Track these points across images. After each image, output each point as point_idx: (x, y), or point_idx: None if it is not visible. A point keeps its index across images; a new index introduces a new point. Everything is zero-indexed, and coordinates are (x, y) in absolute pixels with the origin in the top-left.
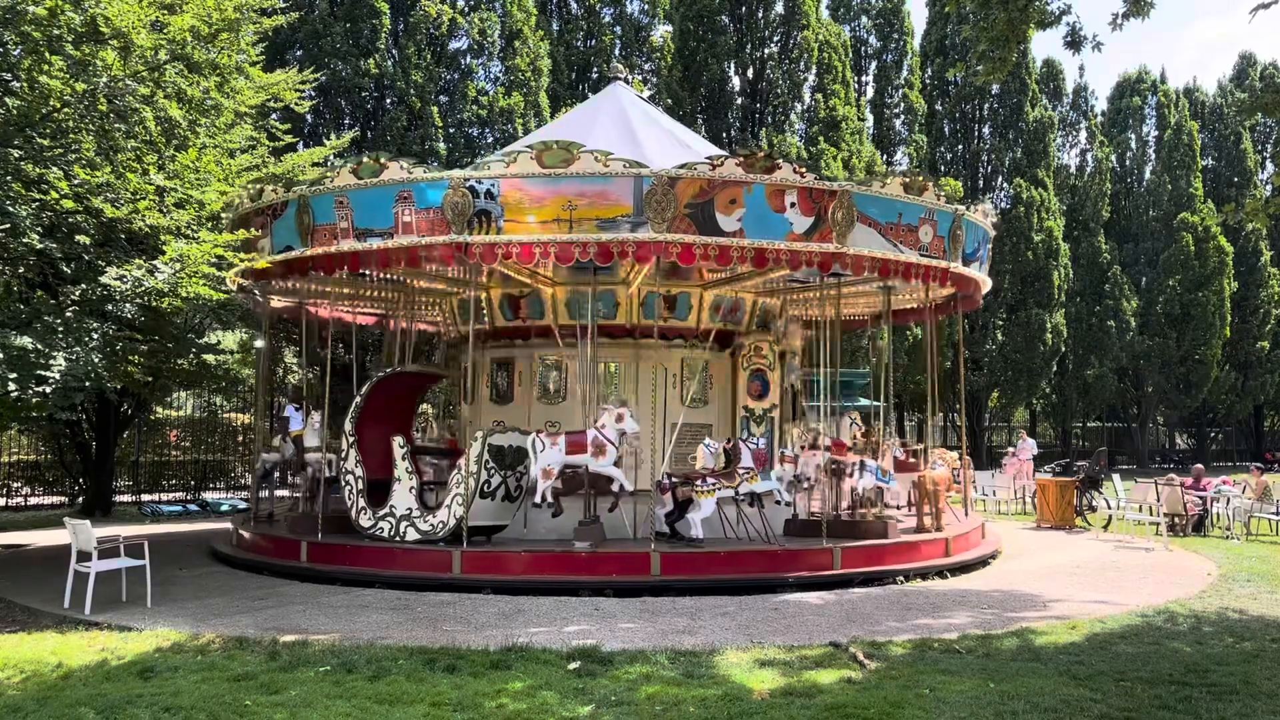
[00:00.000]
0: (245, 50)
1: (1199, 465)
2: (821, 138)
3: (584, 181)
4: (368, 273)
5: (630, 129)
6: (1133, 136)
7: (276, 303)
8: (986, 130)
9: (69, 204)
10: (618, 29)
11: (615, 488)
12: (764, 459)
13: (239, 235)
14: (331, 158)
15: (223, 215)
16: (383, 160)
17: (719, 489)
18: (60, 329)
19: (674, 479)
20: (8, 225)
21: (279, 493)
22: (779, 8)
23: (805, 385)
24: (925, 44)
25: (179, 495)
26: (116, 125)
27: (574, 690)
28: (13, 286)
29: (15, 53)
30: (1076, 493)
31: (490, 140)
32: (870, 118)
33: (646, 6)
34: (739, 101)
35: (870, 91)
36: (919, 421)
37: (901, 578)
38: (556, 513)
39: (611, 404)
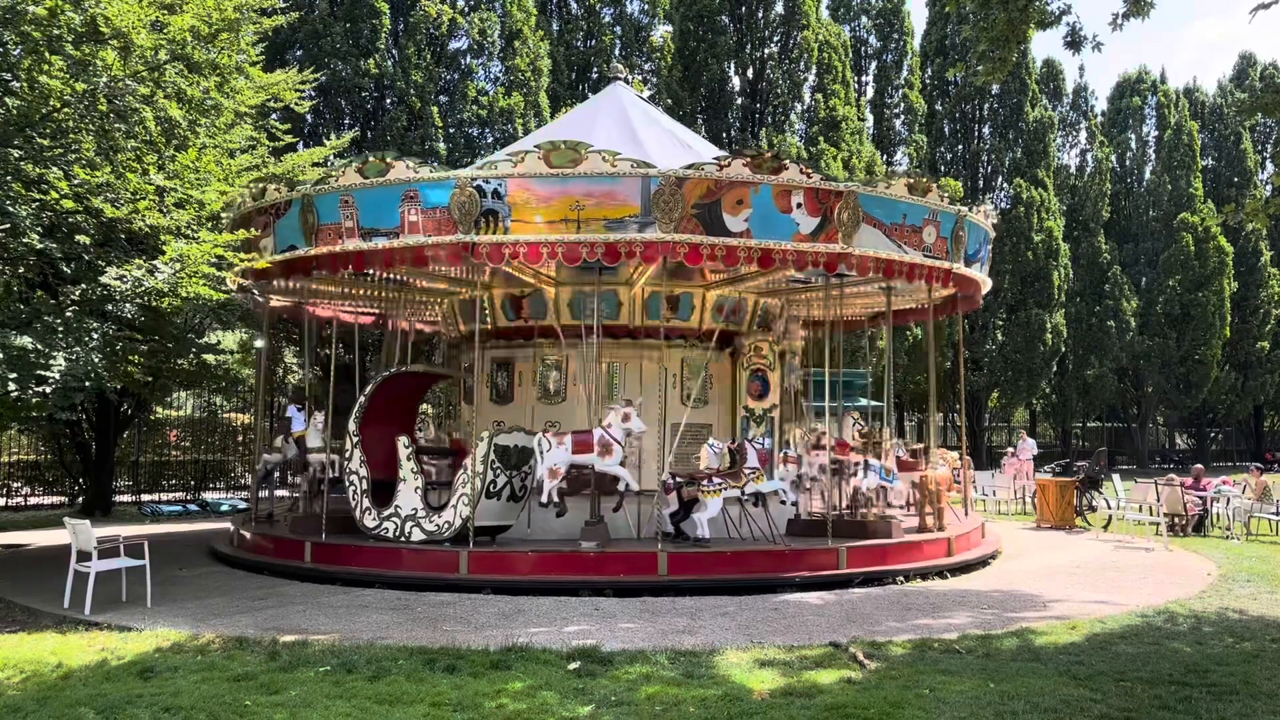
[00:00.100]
0: (245, 50)
1: (1199, 465)
2: (821, 138)
3: (591, 181)
4: (369, 272)
5: (632, 129)
6: (1133, 136)
7: (275, 302)
8: (986, 130)
9: (69, 204)
10: (618, 29)
11: (621, 487)
12: (765, 459)
13: (239, 235)
14: (331, 158)
15: (223, 215)
16: (389, 160)
17: (725, 489)
18: (60, 329)
19: (679, 479)
20: (8, 225)
21: (278, 493)
22: (779, 8)
23: (805, 385)
24: (925, 44)
25: (179, 495)
26: (116, 125)
27: (574, 690)
28: (13, 286)
29: (15, 53)
30: (1076, 493)
31: (490, 140)
32: (870, 118)
33: (646, 6)
34: (739, 101)
35: (870, 91)
36: (919, 421)
37: (901, 578)
38: (561, 512)
39: (618, 404)
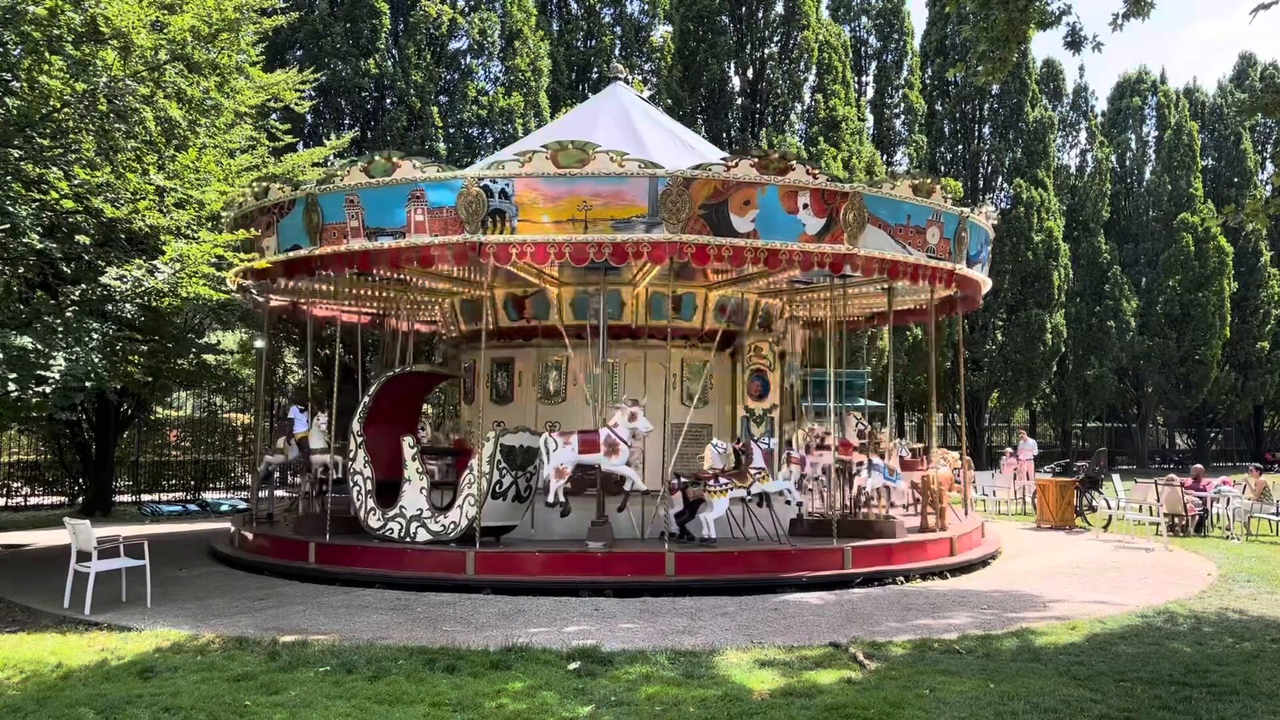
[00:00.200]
0: (245, 50)
1: (1198, 465)
2: (821, 138)
3: (599, 181)
4: (371, 273)
5: (633, 129)
6: (1133, 137)
7: (274, 302)
8: (986, 130)
9: (69, 204)
10: (618, 29)
11: (628, 486)
12: (767, 459)
13: (239, 235)
14: (331, 158)
15: (223, 215)
16: (395, 159)
17: (732, 489)
18: (60, 329)
19: (683, 479)
20: (8, 225)
21: (277, 493)
22: (779, 8)
23: (804, 385)
24: (925, 44)
25: (179, 495)
26: (116, 125)
27: (574, 690)
28: (13, 286)
29: (15, 53)
30: (1076, 493)
31: (490, 140)
32: (870, 118)
33: (646, 6)
34: (739, 102)
35: (870, 92)
36: (919, 421)
37: (901, 578)
38: (565, 512)
39: (624, 403)
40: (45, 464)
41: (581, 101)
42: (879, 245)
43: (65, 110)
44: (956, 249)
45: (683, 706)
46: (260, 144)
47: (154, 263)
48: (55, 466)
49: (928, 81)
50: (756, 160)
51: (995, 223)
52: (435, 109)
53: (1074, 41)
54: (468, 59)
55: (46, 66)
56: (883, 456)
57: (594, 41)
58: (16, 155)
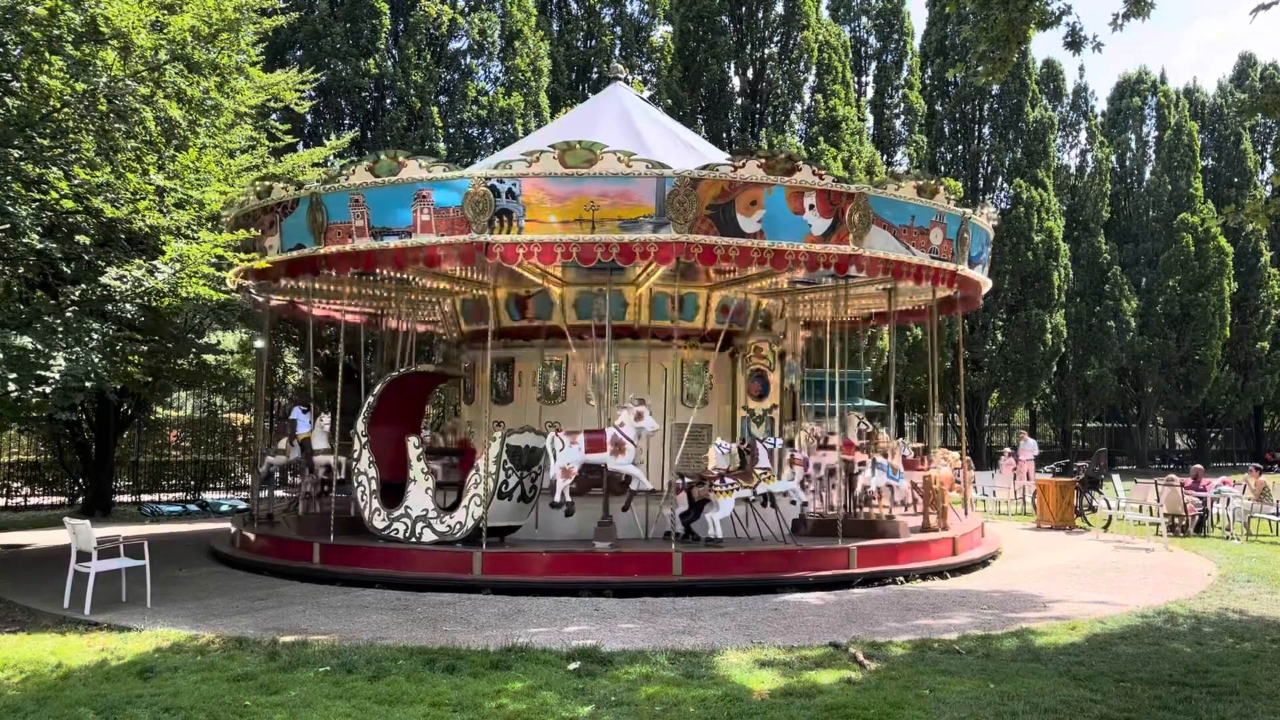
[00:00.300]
0: (245, 50)
1: (1198, 465)
2: (821, 138)
3: (606, 182)
4: (376, 272)
5: (635, 129)
6: (1133, 137)
7: (273, 301)
8: (986, 131)
9: (69, 204)
10: (618, 29)
11: (635, 486)
12: (772, 459)
13: (239, 235)
14: (331, 158)
15: (223, 214)
16: (401, 158)
17: (737, 489)
18: (60, 329)
19: (688, 479)
20: (8, 225)
21: (277, 493)
22: (779, 8)
23: (804, 385)
24: (925, 44)
25: (179, 495)
26: (116, 125)
27: (574, 690)
28: (13, 286)
29: (15, 53)
30: (1076, 493)
31: (490, 140)
32: (870, 118)
33: (646, 7)
34: (739, 102)
35: (870, 92)
36: (919, 421)
37: (901, 578)
38: (569, 512)
39: (631, 402)
40: (45, 464)
41: (581, 102)
42: (884, 246)
43: (65, 110)
44: (959, 250)
45: (683, 706)
46: (260, 144)
47: (154, 263)
48: (55, 466)
49: (928, 82)
50: (763, 161)
51: (995, 223)
52: (435, 109)
53: (1074, 41)
54: (468, 59)
55: (46, 66)
56: (886, 456)
57: (594, 41)
58: (16, 155)
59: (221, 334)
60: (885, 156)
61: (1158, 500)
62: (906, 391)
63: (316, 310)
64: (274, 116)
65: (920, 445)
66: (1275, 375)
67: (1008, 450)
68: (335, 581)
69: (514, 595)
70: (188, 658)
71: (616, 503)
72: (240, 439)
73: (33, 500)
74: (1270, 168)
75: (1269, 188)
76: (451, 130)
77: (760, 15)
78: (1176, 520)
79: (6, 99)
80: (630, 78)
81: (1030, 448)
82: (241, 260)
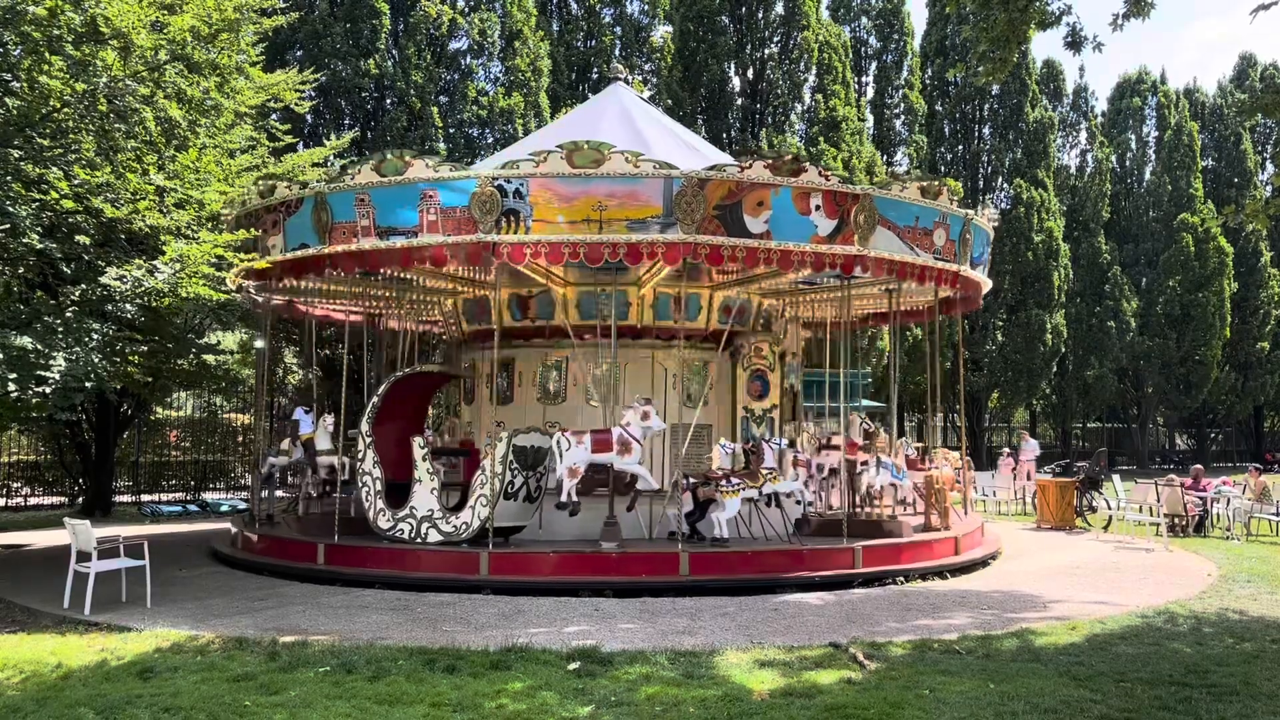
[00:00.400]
0: (245, 50)
1: (1198, 465)
2: (822, 138)
3: (614, 182)
4: (380, 272)
5: (636, 129)
6: (1133, 137)
7: (273, 301)
8: (986, 131)
9: (69, 204)
10: (618, 29)
11: (641, 485)
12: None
13: (239, 235)
14: (331, 158)
15: (223, 213)
16: (408, 158)
17: (744, 489)
18: (60, 329)
19: (693, 479)
20: (8, 225)
21: (277, 493)
22: (779, 8)
23: (803, 386)
24: (925, 44)
25: (179, 495)
26: (116, 125)
27: (574, 690)
28: (13, 286)
29: (15, 53)
30: (1076, 493)
31: (490, 140)
32: (870, 118)
33: (646, 7)
34: (739, 102)
35: (870, 92)
36: (919, 422)
37: (901, 578)
38: (574, 512)
39: (637, 402)
40: (45, 464)
41: (581, 102)
42: (888, 247)
43: (65, 110)
44: (961, 250)
45: (682, 707)
46: (260, 144)
47: (154, 263)
48: (55, 467)
49: (928, 82)
50: (770, 162)
51: (995, 224)
52: (435, 109)
53: (1074, 42)
54: (468, 59)
55: (46, 67)
56: (889, 455)
57: (594, 42)
58: (16, 155)
59: (221, 334)
60: (885, 157)
61: (1158, 500)
62: (906, 392)
63: (316, 310)
64: (274, 116)
65: (920, 445)
66: (1275, 375)
67: (1006, 450)
68: (338, 582)
69: (522, 596)
70: (188, 658)
71: (620, 503)
72: (240, 439)
73: (33, 500)
74: (1270, 168)
75: (1269, 188)
76: (451, 130)
77: (760, 15)
78: (1176, 520)
79: (6, 99)
80: (630, 78)
81: (1032, 448)
82: (241, 260)
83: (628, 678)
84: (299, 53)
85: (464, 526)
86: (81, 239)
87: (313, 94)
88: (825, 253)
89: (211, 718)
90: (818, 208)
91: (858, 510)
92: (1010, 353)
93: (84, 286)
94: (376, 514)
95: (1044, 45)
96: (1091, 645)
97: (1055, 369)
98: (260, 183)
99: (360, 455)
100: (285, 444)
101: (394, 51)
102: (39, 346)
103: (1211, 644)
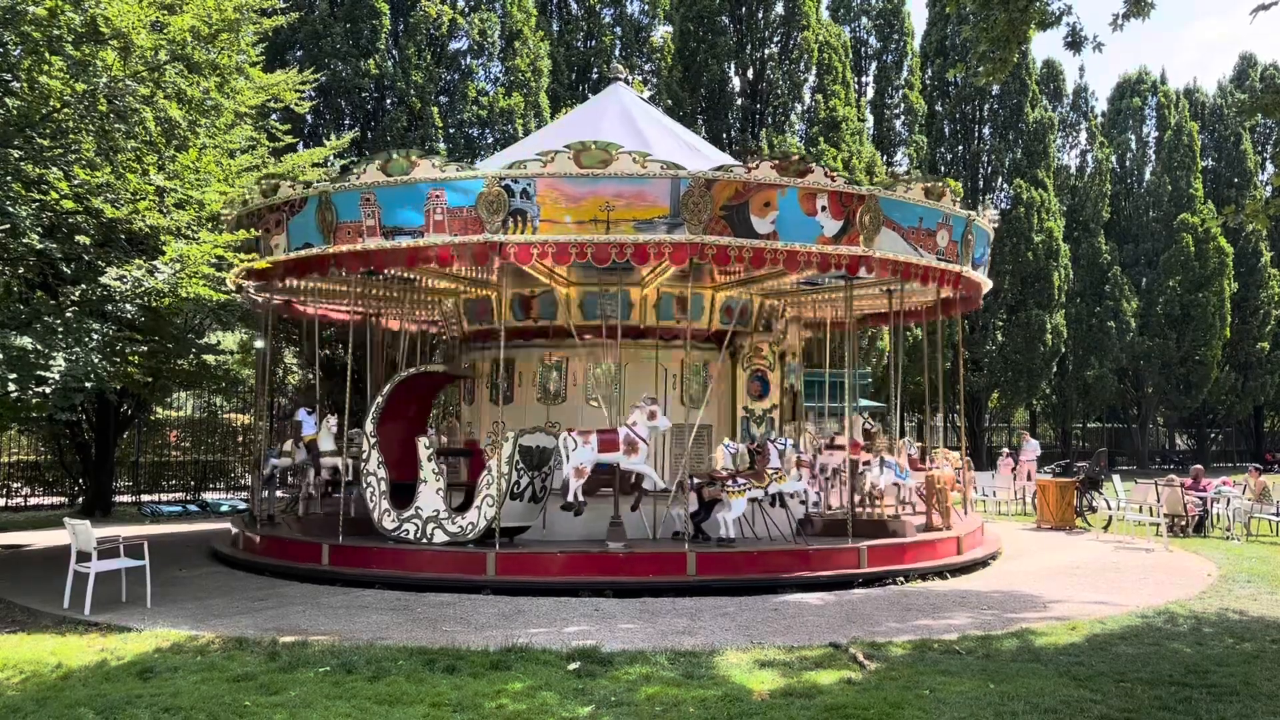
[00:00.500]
0: (245, 51)
1: (1198, 466)
2: (822, 138)
3: (622, 182)
4: (387, 272)
5: (637, 129)
6: (1133, 137)
7: (274, 301)
8: (986, 131)
9: (69, 204)
10: (618, 29)
11: (648, 485)
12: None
13: (239, 236)
14: (331, 158)
15: (224, 213)
16: (414, 158)
17: (749, 489)
18: (60, 329)
19: (698, 479)
20: (8, 225)
21: (276, 493)
22: (779, 8)
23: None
24: (925, 45)
25: (179, 496)
26: (116, 125)
27: (574, 691)
28: (13, 287)
29: (15, 53)
30: (1076, 493)
31: (490, 141)
32: (870, 118)
33: (646, 7)
34: (739, 102)
35: (870, 92)
36: (919, 422)
37: (901, 578)
38: (578, 512)
39: (643, 402)
40: (45, 464)
41: (582, 102)
42: (893, 248)
43: (65, 110)
44: (964, 251)
45: (682, 707)
46: (260, 144)
47: (154, 263)
48: (55, 467)
49: (928, 82)
50: (777, 162)
51: (995, 224)
52: (435, 109)
53: (1074, 42)
54: (468, 59)
55: (46, 67)
56: (892, 455)
57: (594, 42)
58: (16, 155)
59: (221, 334)
60: (885, 157)
61: (1158, 500)
62: (905, 392)
63: (311, 309)
64: (274, 117)
65: (920, 445)
66: (1275, 375)
67: (1006, 450)
68: (339, 582)
69: (527, 596)
70: (188, 658)
71: (625, 503)
72: (240, 439)
73: (33, 500)
74: (1270, 168)
75: (1269, 188)
76: (451, 130)
77: (760, 15)
78: (1176, 520)
79: (6, 99)
80: (630, 78)
81: (1033, 448)
82: (241, 260)
83: (628, 678)
84: (299, 53)
85: (470, 527)
86: (81, 239)
87: (313, 94)
88: (831, 253)
89: (211, 718)
90: (824, 208)
91: (859, 510)
92: (1010, 353)
93: (84, 286)
94: (381, 514)
95: (1044, 45)
96: (1091, 645)
97: (1055, 369)
98: (263, 182)
99: (365, 456)
100: (288, 445)
101: (394, 51)
102: (39, 346)
103: (1211, 644)
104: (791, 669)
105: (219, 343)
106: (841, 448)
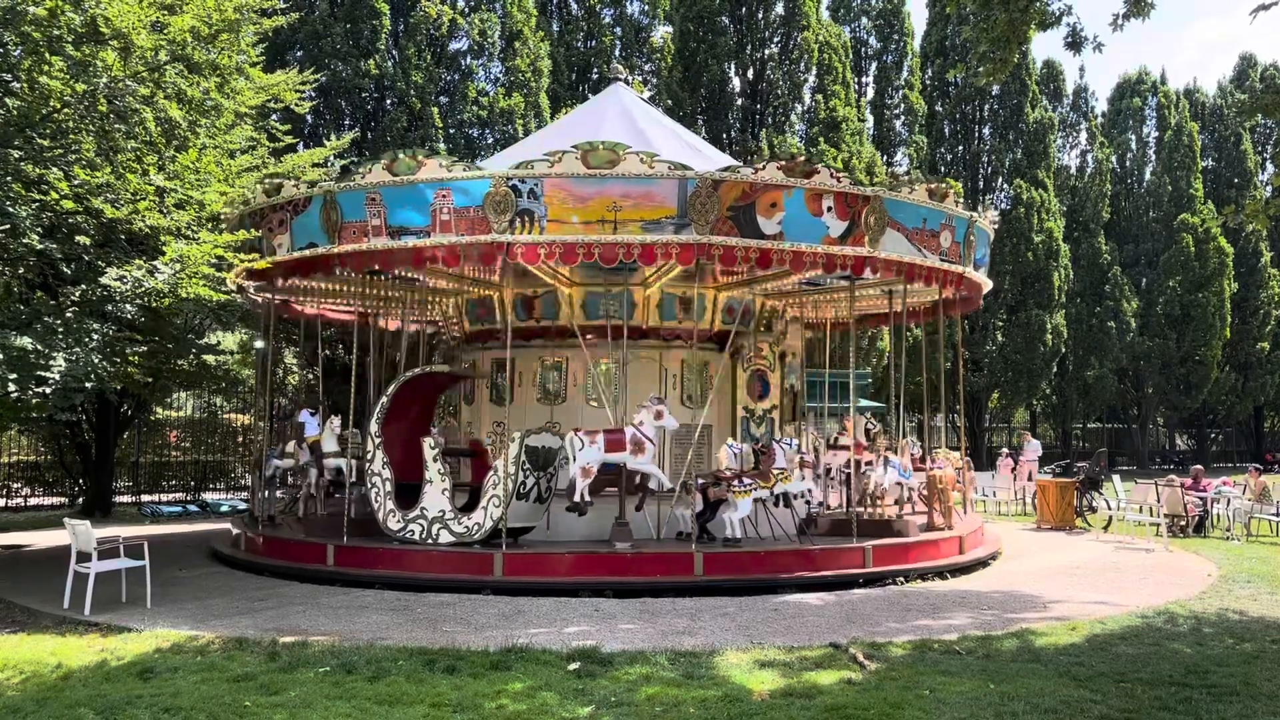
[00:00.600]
0: (245, 51)
1: (1198, 466)
2: (822, 139)
3: (629, 183)
4: (393, 271)
5: (638, 129)
6: (1133, 137)
7: (262, 299)
8: (987, 131)
9: (69, 204)
10: (618, 30)
11: (654, 485)
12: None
13: (239, 236)
14: (332, 158)
15: (225, 212)
16: (421, 157)
17: (755, 489)
18: (60, 330)
19: (703, 479)
20: (8, 226)
21: (276, 493)
22: (779, 8)
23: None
24: (925, 45)
25: (179, 496)
26: (116, 126)
27: (574, 691)
28: (13, 287)
29: (15, 53)
30: (1077, 494)
31: (490, 141)
32: (870, 119)
33: (647, 7)
34: (739, 102)
35: (870, 92)
36: (919, 422)
37: (901, 578)
38: (583, 512)
39: (649, 401)
40: (45, 464)
41: (582, 102)
42: (897, 248)
43: (65, 111)
44: (966, 252)
45: (683, 707)
46: (260, 144)
47: (154, 263)
48: (55, 467)
49: (928, 82)
50: (784, 163)
51: (995, 225)
52: (435, 110)
53: (1074, 42)
54: (468, 60)
55: (46, 67)
56: (896, 453)
57: (594, 42)
58: (16, 156)
59: (221, 334)
60: (885, 157)
61: (1158, 501)
62: (905, 392)
63: (309, 309)
64: (274, 117)
65: (922, 445)
66: (1275, 376)
67: (1005, 451)
68: (339, 583)
69: (528, 596)
70: (188, 658)
71: (630, 503)
72: (240, 439)
73: (33, 501)
74: (1270, 168)
75: (1269, 188)
76: (452, 131)
77: (760, 16)
78: (1176, 521)
79: (7, 99)
80: (630, 78)
81: (1034, 448)
82: (242, 261)
83: (628, 678)
84: (299, 53)
85: (476, 527)
86: (81, 239)
87: (313, 94)
88: (836, 254)
89: (211, 718)
90: (830, 209)
91: (861, 510)
92: (1010, 353)
93: (84, 287)
94: (386, 515)
95: (1044, 45)
96: (1091, 645)
97: (1055, 369)
98: (267, 181)
99: (369, 456)
100: (291, 446)
101: (394, 52)
102: (39, 347)
103: (1211, 644)
104: (791, 669)
105: (219, 343)
106: (844, 448)
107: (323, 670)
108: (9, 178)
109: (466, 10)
